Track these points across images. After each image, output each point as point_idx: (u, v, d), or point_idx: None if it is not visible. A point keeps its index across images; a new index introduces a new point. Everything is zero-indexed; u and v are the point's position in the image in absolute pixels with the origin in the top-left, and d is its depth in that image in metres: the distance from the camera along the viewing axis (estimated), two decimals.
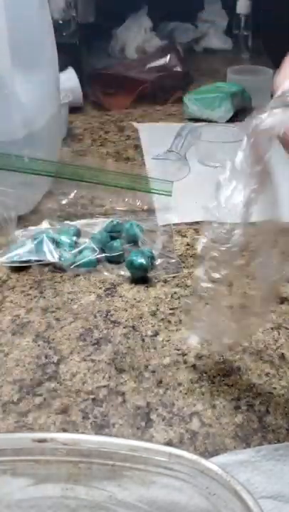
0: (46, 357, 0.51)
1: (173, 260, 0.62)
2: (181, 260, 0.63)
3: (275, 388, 0.47)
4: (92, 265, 0.62)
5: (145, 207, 0.73)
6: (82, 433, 0.43)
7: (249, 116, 0.37)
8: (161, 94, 1.11)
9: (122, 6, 1.36)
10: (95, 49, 1.39)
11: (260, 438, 0.43)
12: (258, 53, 1.37)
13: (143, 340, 0.52)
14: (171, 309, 0.56)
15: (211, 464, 0.33)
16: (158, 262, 0.62)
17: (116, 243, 0.63)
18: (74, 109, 1.04)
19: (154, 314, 0.55)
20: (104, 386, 0.48)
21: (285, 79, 0.39)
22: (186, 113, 1.02)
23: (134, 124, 1.01)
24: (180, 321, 0.54)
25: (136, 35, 1.37)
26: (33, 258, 0.62)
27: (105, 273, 0.62)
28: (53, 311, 0.56)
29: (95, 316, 0.55)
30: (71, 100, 0.96)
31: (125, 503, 0.34)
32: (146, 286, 0.59)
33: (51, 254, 0.61)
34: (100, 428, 0.44)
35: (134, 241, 0.65)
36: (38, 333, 0.54)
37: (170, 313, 0.55)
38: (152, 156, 0.85)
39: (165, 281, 0.60)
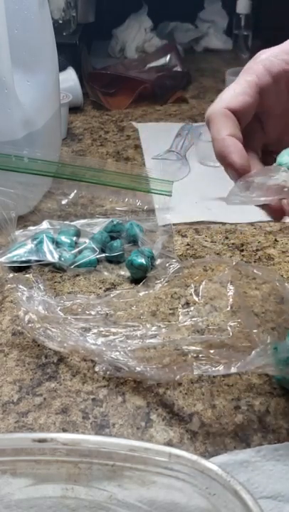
0: (46, 357, 0.51)
1: (173, 260, 0.62)
2: (181, 260, 0.63)
3: (275, 388, 0.47)
4: (92, 265, 0.62)
5: (145, 207, 0.73)
6: (82, 433, 0.43)
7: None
8: (161, 94, 1.11)
9: (122, 6, 1.36)
10: (95, 49, 1.39)
11: (260, 438, 0.43)
12: None
13: (143, 340, 0.52)
14: (171, 309, 0.56)
15: (211, 464, 0.33)
16: (158, 262, 0.62)
17: (116, 243, 0.63)
18: (74, 109, 1.04)
19: (154, 314, 0.55)
20: (105, 386, 0.48)
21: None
22: None
23: (134, 124, 1.01)
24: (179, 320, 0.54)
25: (136, 35, 1.37)
26: (33, 258, 0.62)
27: (105, 273, 0.62)
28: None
29: (95, 316, 0.55)
30: (71, 100, 0.96)
31: (125, 503, 0.34)
32: (146, 287, 0.59)
33: (51, 254, 0.61)
34: (100, 428, 0.44)
35: (134, 241, 0.65)
36: None
37: (170, 313, 0.55)
38: (152, 156, 0.85)
39: (165, 281, 0.60)
